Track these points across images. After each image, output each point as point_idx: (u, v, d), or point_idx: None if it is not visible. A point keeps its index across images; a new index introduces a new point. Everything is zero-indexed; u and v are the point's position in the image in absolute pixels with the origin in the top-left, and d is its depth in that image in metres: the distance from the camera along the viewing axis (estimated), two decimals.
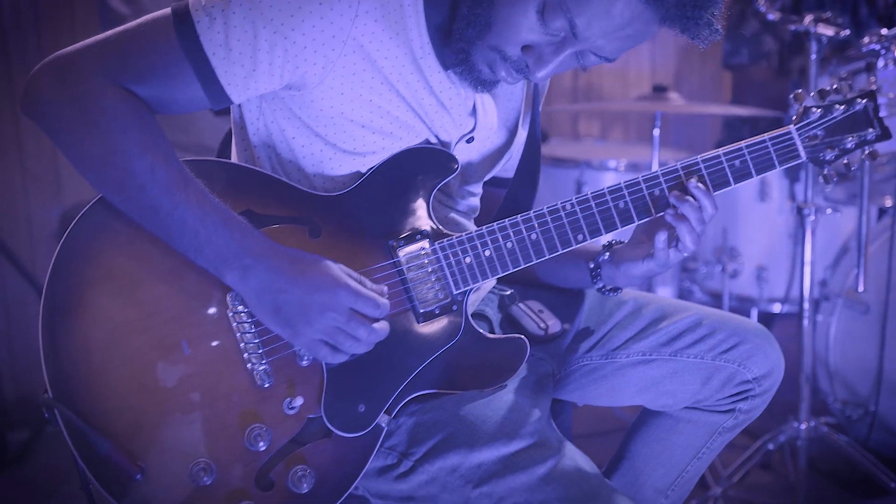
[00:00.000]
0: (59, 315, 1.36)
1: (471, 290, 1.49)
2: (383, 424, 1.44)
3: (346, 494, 1.42)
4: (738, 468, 2.84)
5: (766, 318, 3.64)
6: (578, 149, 4.01)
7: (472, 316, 1.53)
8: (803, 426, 2.79)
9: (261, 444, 1.38)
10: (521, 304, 1.73)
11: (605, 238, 1.59)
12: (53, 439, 3.27)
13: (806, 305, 2.77)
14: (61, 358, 1.35)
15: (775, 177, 3.47)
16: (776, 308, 3.56)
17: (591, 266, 1.66)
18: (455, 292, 1.48)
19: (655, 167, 2.18)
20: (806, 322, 2.78)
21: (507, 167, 1.73)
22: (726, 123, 4.24)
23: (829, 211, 2.69)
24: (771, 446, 2.84)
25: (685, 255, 1.51)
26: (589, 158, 3.61)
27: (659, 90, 3.39)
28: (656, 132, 3.24)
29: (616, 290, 1.68)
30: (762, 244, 3.53)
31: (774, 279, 3.51)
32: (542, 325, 1.69)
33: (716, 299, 3.57)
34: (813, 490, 2.83)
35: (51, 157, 3.53)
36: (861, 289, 2.62)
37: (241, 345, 1.39)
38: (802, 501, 2.73)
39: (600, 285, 1.67)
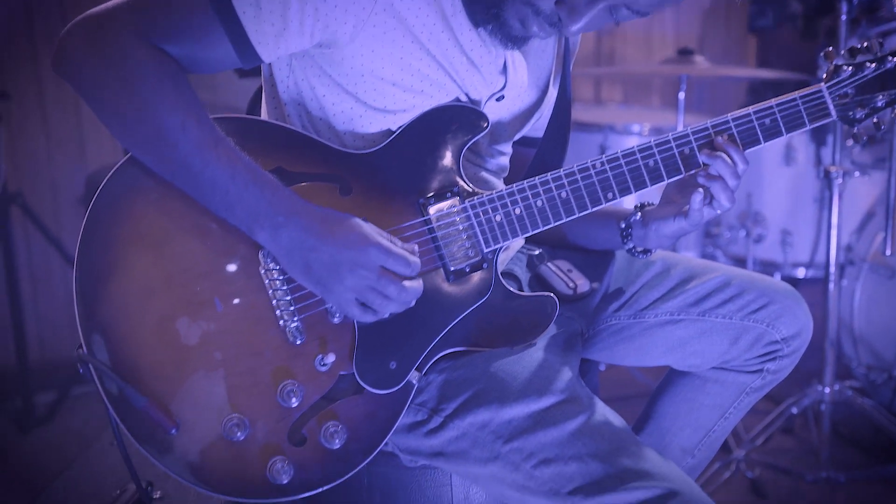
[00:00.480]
0: (94, 272, 1.36)
1: (501, 248, 1.50)
2: (414, 381, 1.45)
3: (377, 450, 1.43)
4: (761, 432, 2.84)
5: (790, 283, 3.62)
6: (601, 113, 3.98)
7: (500, 275, 1.53)
8: (827, 390, 2.79)
9: (293, 400, 1.39)
10: (549, 264, 1.73)
11: (634, 198, 1.58)
12: (79, 401, 3.31)
13: (832, 269, 2.76)
14: (96, 314, 1.36)
15: (801, 141, 3.44)
16: (800, 273, 3.56)
17: (623, 226, 1.66)
18: (485, 250, 1.48)
19: None
20: (832, 286, 2.77)
21: (537, 126, 1.72)
22: (751, 89, 4.20)
23: (856, 174, 2.66)
24: (794, 410, 2.85)
25: (718, 212, 1.51)
26: (612, 122, 3.59)
27: (685, 53, 3.36)
28: (682, 95, 3.21)
29: (647, 251, 1.68)
30: (787, 209, 3.52)
31: (799, 244, 3.50)
32: (571, 284, 1.69)
33: (740, 264, 3.55)
34: (836, 454, 2.83)
35: (74, 122, 3.55)
36: (889, 252, 2.60)
37: (273, 301, 1.40)
38: (825, 465, 2.73)
39: (630, 245, 1.67)
